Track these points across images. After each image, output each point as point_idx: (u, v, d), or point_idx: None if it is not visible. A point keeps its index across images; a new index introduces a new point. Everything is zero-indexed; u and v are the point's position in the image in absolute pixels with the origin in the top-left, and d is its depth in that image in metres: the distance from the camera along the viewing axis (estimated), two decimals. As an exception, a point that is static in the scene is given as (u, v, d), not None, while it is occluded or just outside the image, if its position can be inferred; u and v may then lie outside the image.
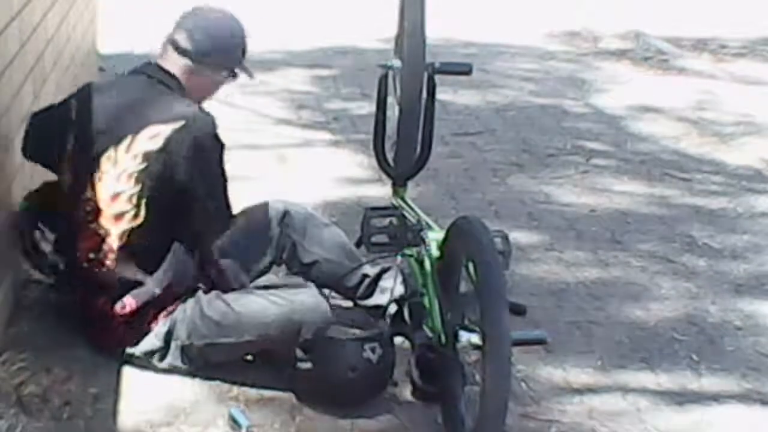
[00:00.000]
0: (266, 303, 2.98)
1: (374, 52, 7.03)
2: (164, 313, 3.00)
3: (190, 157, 2.93)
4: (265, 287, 3.13)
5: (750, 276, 4.04)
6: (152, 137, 2.93)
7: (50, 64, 4.24)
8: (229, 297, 3.02)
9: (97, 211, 3.01)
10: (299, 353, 2.92)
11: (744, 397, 3.18)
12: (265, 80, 6.18)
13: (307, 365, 2.91)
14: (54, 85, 4.33)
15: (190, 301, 3.00)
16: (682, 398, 3.14)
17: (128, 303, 2.99)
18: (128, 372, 3.03)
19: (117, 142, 2.97)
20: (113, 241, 2.99)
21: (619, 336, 3.50)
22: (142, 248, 2.98)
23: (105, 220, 3.00)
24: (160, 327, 2.99)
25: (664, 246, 4.28)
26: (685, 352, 3.42)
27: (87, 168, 3.02)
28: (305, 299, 3.00)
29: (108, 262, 3.00)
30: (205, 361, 3.01)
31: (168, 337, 2.99)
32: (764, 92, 6.91)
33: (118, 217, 2.97)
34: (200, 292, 3.03)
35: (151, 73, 3.09)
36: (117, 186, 2.96)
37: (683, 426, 3.01)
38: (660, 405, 3.10)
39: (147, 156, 2.93)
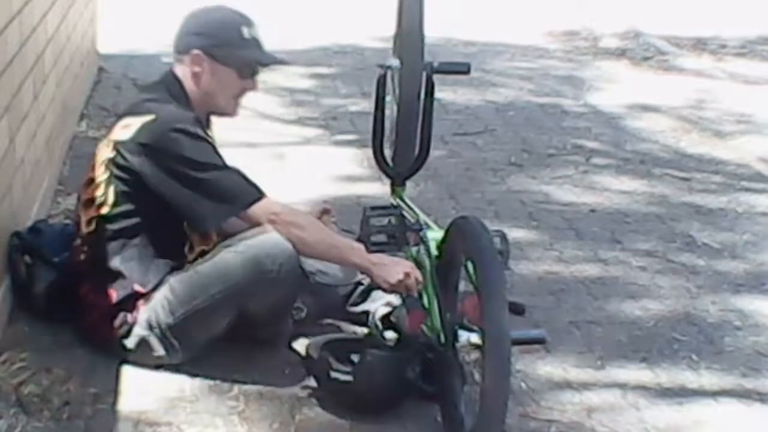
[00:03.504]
0: (226, 254, 2.97)
1: (373, 52, 7.04)
2: (143, 300, 3.01)
3: (153, 149, 2.94)
4: None
5: (749, 275, 4.04)
6: (124, 127, 2.99)
7: (50, 64, 4.24)
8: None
9: (80, 198, 3.14)
10: (337, 365, 2.90)
11: (743, 396, 3.17)
12: (265, 79, 6.09)
13: (347, 378, 2.88)
14: (54, 85, 4.34)
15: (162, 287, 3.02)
16: (681, 397, 3.14)
17: (109, 294, 3.03)
18: (128, 371, 3.03)
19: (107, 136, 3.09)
20: (83, 228, 3.07)
21: (618, 335, 3.50)
22: (108, 238, 3.02)
23: (80, 206, 3.11)
24: (141, 314, 3.01)
25: (664, 245, 4.28)
26: (684, 352, 3.42)
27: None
28: (265, 239, 2.95)
29: (85, 249, 3.08)
30: (191, 341, 3.00)
31: (150, 324, 3.00)
32: (764, 91, 6.92)
33: (87, 203, 3.06)
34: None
35: (165, 78, 3.14)
36: (93, 173, 3.05)
37: (682, 425, 3.01)
38: (659, 404, 3.10)
39: (116, 145, 2.99)
